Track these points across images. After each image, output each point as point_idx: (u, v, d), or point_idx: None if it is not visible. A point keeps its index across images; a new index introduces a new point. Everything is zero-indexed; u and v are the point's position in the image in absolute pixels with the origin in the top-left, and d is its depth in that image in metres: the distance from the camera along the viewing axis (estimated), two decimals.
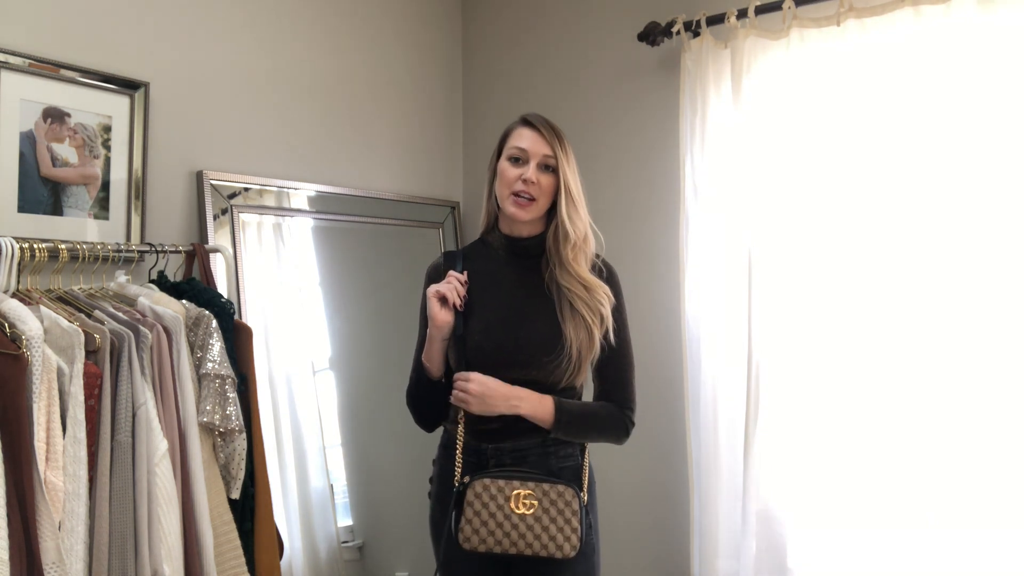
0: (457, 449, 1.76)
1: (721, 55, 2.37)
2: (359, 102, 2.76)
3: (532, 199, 1.77)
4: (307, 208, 2.57)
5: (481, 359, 1.76)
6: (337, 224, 2.66)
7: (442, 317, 1.76)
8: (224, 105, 2.35)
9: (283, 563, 2.10)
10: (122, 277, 1.95)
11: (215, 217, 2.27)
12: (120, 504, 1.63)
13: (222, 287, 2.20)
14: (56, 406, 1.56)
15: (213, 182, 2.28)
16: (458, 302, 1.77)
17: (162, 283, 1.99)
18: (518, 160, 1.78)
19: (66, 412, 1.57)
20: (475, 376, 1.72)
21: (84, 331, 1.64)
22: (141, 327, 1.73)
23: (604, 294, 1.77)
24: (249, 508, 1.97)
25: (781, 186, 2.27)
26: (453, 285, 1.77)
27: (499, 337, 1.77)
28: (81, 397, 1.59)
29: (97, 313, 1.76)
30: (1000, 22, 1.97)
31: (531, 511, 1.66)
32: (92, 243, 1.87)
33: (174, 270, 2.11)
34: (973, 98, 1.99)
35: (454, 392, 1.75)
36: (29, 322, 1.56)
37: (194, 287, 2.00)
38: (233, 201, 2.33)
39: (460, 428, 1.77)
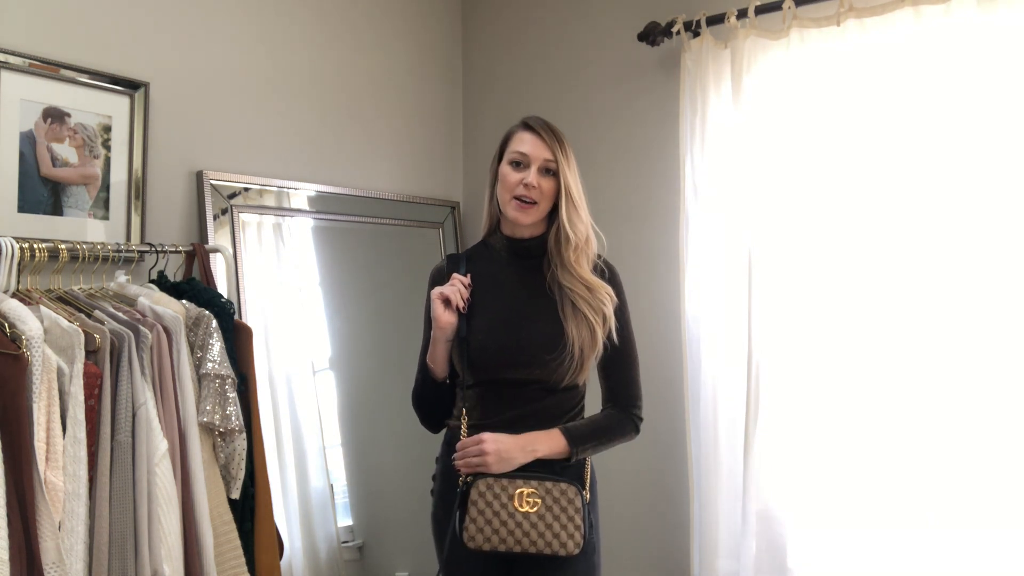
0: None
1: (721, 55, 2.37)
2: (359, 102, 2.76)
3: (533, 202, 1.78)
4: (307, 208, 2.57)
5: (484, 359, 1.77)
6: (337, 224, 2.66)
7: (446, 319, 1.77)
8: (224, 105, 2.35)
9: (283, 563, 2.10)
10: (122, 277, 1.95)
11: (215, 217, 2.27)
12: (120, 504, 1.63)
13: (222, 287, 2.20)
14: (56, 406, 1.57)
15: (213, 182, 2.28)
16: (461, 304, 1.78)
17: (162, 283, 1.99)
18: (519, 164, 1.79)
19: (66, 412, 1.57)
20: (486, 437, 1.71)
21: (84, 331, 1.64)
22: (141, 327, 1.73)
23: (606, 294, 1.78)
24: (249, 508, 1.97)
25: (781, 186, 2.27)
26: (456, 287, 1.79)
27: (501, 337, 1.77)
28: (81, 397, 1.59)
29: (97, 313, 1.76)
30: (1000, 22, 1.97)
31: (535, 509, 1.67)
32: (92, 243, 1.87)
33: (174, 270, 2.11)
34: (973, 98, 1.99)
35: (469, 460, 1.71)
36: (29, 322, 1.56)
37: (194, 287, 2.00)
38: (233, 201, 2.33)
39: (463, 426, 1.77)
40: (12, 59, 1.86)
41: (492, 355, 1.76)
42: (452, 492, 1.74)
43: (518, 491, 1.68)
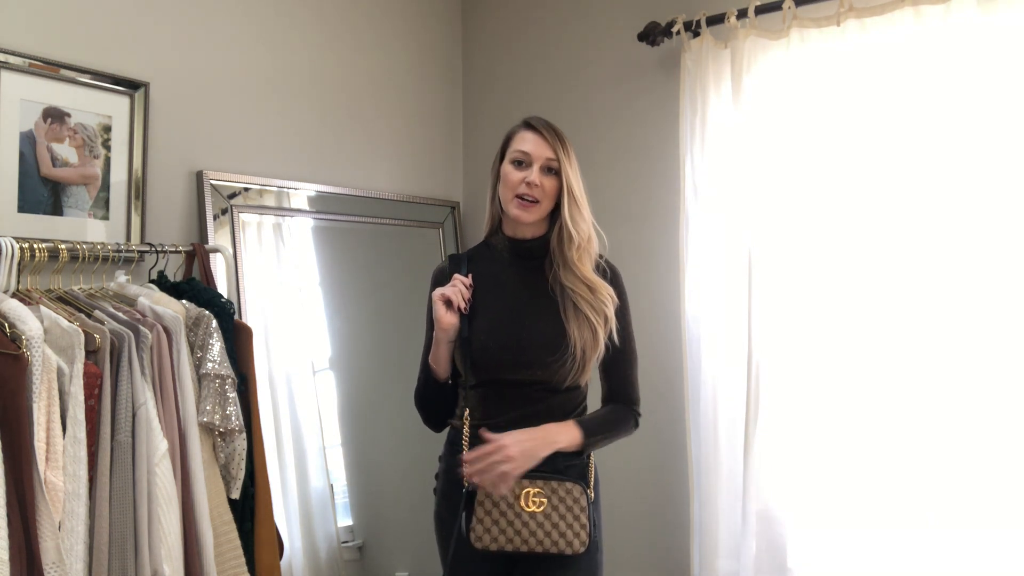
0: (464, 447, 1.76)
1: (721, 55, 2.37)
2: (359, 102, 2.76)
3: (536, 201, 1.78)
4: (307, 208, 2.57)
5: (486, 360, 1.77)
6: (337, 224, 2.66)
7: (448, 320, 1.77)
8: (224, 105, 2.35)
9: (283, 563, 2.10)
10: (122, 277, 1.95)
11: (215, 217, 2.27)
12: (120, 504, 1.63)
13: (222, 287, 2.20)
14: (56, 406, 1.57)
15: (213, 182, 2.28)
16: (463, 305, 1.78)
17: (162, 283, 1.99)
18: (521, 163, 1.79)
19: (66, 412, 1.57)
20: (504, 439, 1.67)
21: (84, 331, 1.64)
22: (141, 327, 1.73)
23: (608, 295, 1.78)
24: (249, 508, 1.97)
25: (781, 186, 2.27)
26: (458, 288, 1.78)
27: (503, 338, 1.77)
28: (81, 397, 1.59)
29: (97, 313, 1.76)
30: (1000, 22, 1.97)
31: (540, 508, 1.68)
32: (92, 243, 1.87)
33: (174, 270, 2.11)
34: (973, 98, 1.99)
35: (498, 469, 1.65)
36: (29, 322, 1.56)
37: (194, 287, 2.00)
38: (233, 201, 2.33)
39: (466, 427, 1.77)
40: (12, 59, 1.86)
41: (494, 355, 1.76)
42: (456, 491, 1.74)
43: (524, 491, 1.69)
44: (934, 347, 2.04)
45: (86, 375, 1.61)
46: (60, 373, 1.58)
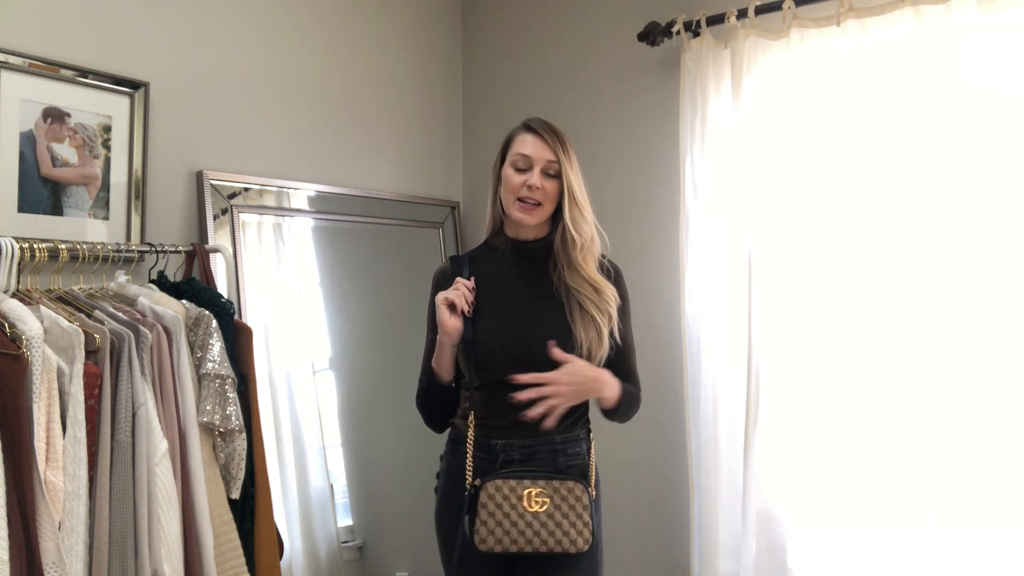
0: (467, 448, 1.77)
1: (721, 55, 2.37)
2: (359, 102, 2.76)
3: (537, 204, 1.78)
4: (307, 208, 2.57)
5: (491, 361, 1.77)
6: (337, 224, 2.66)
7: (451, 323, 1.76)
8: (224, 105, 2.35)
9: (283, 563, 2.10)
10: (122, 277, 1.95)
11: (215, 217, 2.27)
12: (120, 504, 1.63)
13: (222, 287, 2.20)
14: (56, 406, 1.56)
15: (213, 182, 2.28)
16: (466, 308, 1.78)
17: (162, 283, 1.99)
18: (522, 166, 1.79)
19: (66, 412, 1.57)
20: (559, 377, 1.69)
21: (84, 331, 1.64)
22: (141, 327, 1.73)
23: (611, 295, 1.79)
24: (249, 508, 1.97)
25: (781, 186, 2.27)
26: (461, 291, 1.78)
27: (506, 339, 1.78)
28: (81, 397, 1.59)
29: (97, 313, 1.76)
30: (1000, 22, 1.97)
31: (544, 508, 1.69)
32: (92, 243, 1.87)
33: (174, 270, 2.11)
34: (973, 98, 1.99)
35: (547, 401, 1.68)
36: (29, 322, 1.56)
37: (194, 287, 2.00)
38: (233, 201, 2.33)
39: (470, 428, 1.77)
40: (12, 59, 1.86)
41: (498, 356, 1.76)
42: (457, 491, 1.75)
43: (526, 491, 1.69)
44: (934, 347, 2.04)
45: (86, 375, 1.61)
46: (60, 373, 1.58)
